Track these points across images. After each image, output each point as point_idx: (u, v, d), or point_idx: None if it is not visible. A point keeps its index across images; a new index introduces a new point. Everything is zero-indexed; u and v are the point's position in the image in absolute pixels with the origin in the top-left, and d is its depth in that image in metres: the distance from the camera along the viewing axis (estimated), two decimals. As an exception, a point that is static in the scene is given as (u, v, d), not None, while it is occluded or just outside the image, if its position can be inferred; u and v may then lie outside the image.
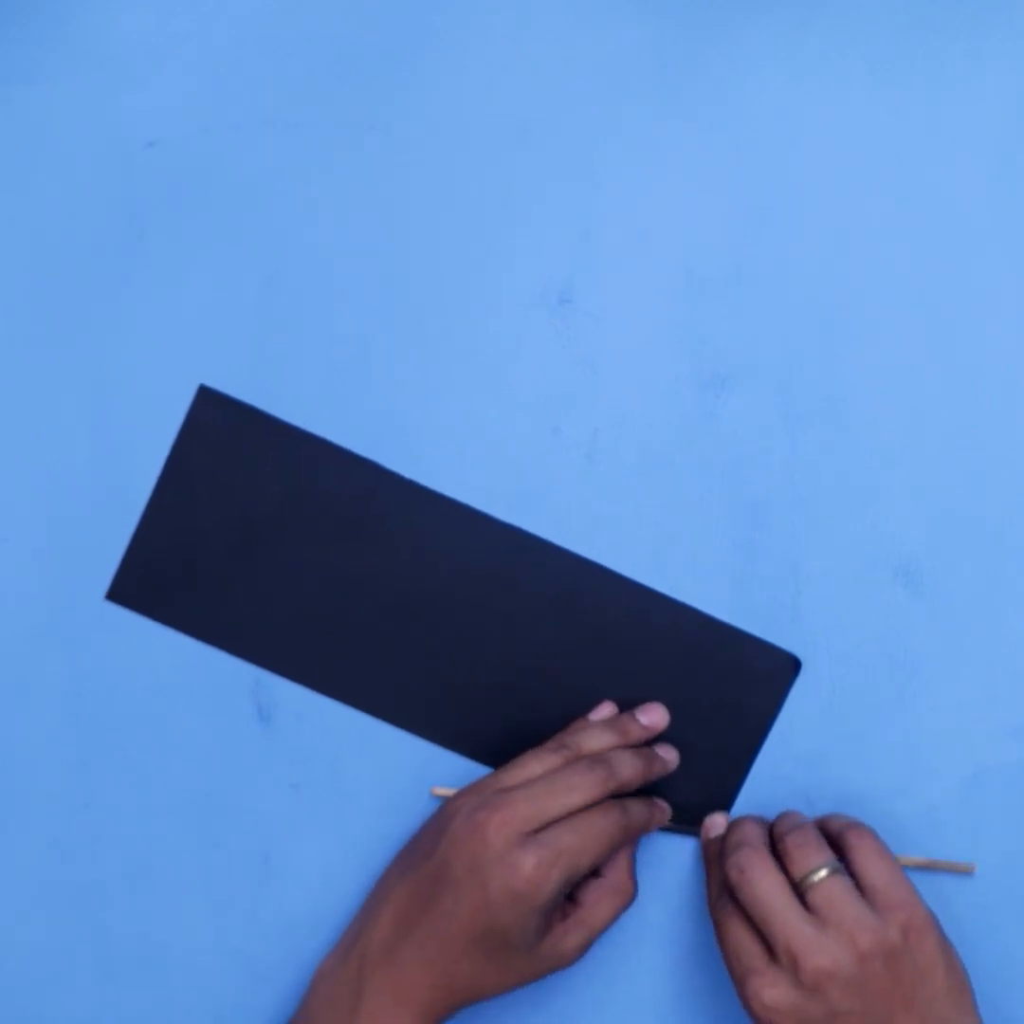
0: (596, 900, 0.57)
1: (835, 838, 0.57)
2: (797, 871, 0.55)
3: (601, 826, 0.55)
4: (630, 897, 0.58)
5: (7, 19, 0.62)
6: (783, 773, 0.61)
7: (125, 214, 0.62)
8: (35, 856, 0.61)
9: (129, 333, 0.62)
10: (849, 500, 0.61)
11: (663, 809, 0.60)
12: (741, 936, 0.55)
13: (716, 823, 0.60)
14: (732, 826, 0.59)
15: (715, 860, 0.59)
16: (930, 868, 0.60)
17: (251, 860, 0.62)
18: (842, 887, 0.54)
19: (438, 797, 0.61)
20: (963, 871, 0.60)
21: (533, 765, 0.57)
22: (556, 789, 0.55)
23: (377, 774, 0.62)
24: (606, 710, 0.60)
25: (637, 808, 0.58)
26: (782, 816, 0.59)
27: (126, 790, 0.62)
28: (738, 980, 0.55)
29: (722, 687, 0.61)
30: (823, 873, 0.54)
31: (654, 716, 0.60)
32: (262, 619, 0.61)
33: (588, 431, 0.62)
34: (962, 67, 0.62)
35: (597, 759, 0.57)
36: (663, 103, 0.62)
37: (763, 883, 0.55)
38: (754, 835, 0.57)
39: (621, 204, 0.62)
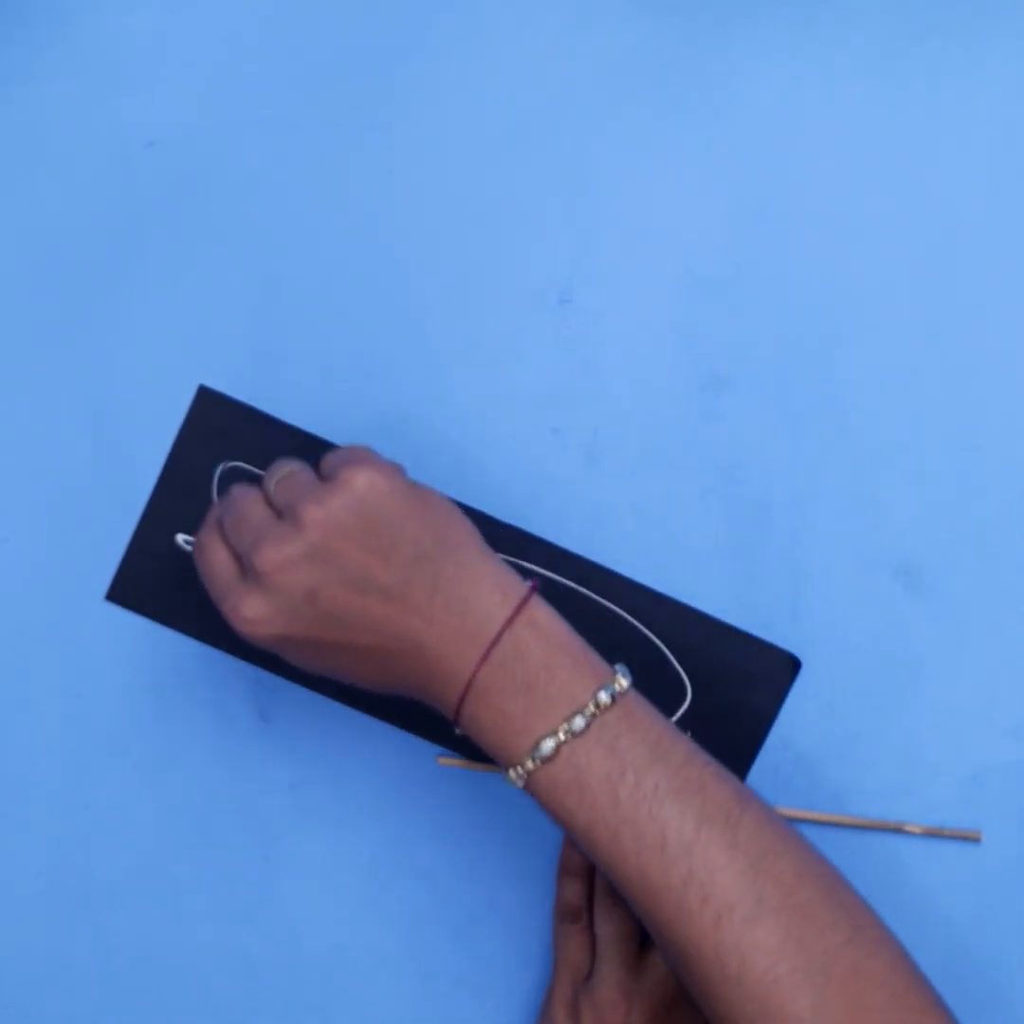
0: None
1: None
2: (267, 478, 0.52)
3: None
4: None
5: (7, 19, 0.63)
6: (783, 773, 0.61)
7: (125, 214, 0.62)
8: (35, 856, 0.61)
9: (129, 333, 0.62)
10: (849, 500, 0.61)
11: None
12: (218, 556, 0.52)
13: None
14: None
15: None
16: (936, 835, 0.60)
17: (251, 860, 0.62)
18: (301, 476, 0.52)
19: (444, 767, 0.61)
20: (970, 839, 0.60)
21: (627, 928, 0.58)
22: None
23: (377, 774, 0.62)
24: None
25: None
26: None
27: (126, 790, 0.62)
28: (218, 602, 0.51)
29: (722, 687, 0.61)
30: (288, 469, 0.52)
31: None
32: None
33: (588, 431, 0.62)
34: (962, 67, 0.62)
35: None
36: (662, 103, 0.62)
37: (239, 493, 0.52)
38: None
39: (621, 204, 0.62)
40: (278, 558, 0.50)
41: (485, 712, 0.50)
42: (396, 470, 0.52)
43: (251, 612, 0.50)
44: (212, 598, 0.52)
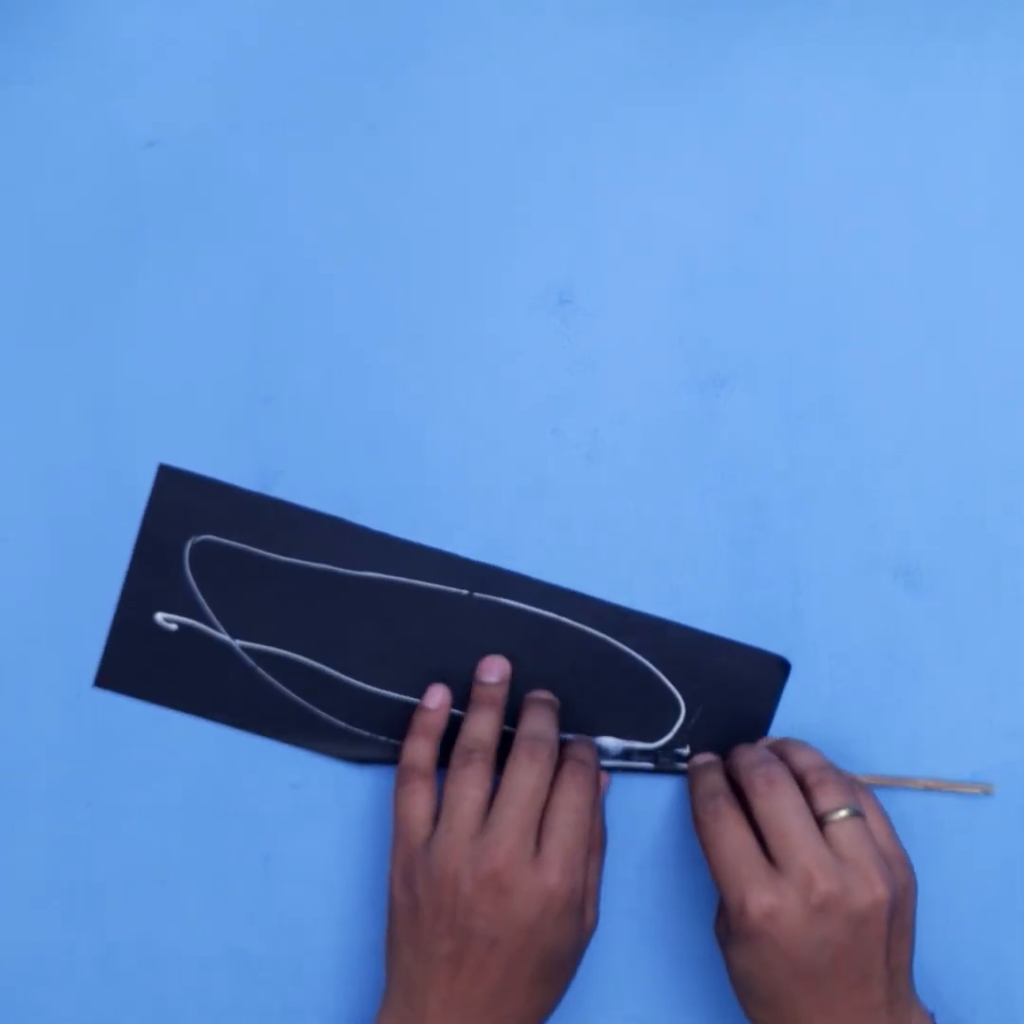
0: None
1: None
2: (821, 805, 0.55)
3: (580, 798, 0.56)
4: (604, 845, 0.59)
5: (7, 19, 0.62)
6: (783, 773, 0.61)
7: (125, 214, 0.62)
8: (35, 856, 0.61)
9: (128, 333, 0.62)
10: (849, 500, 0.61)
11: (588, 742, 0.60)
12: (741, 840, 0.55)
13: (706, 760, 0.60)
14: (746, 747, 0.58)
15: (704, 770, 0.59)
16: (945, 790, 0.60)
17: (251, 860, 0.62)
18: (864, 830, 0.55)
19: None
20: (980, 792, 0.60)
21: (472, 792, 0.56)
22: (517, 798, 0.55)
23: (377, 774, 0.61)
24: (439, 695, 0.60)
25: (582, 751, 0.58)
26: (801, 749, 0.58)
27: (126, 790, 0.61)
28: (735, 884, 0.54)
29: (715, 698, 0.61)
30: (845, 813, 0.55)
31: (497, 668, 0.60)
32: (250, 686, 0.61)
33: (588, 431, 0.62)
34: (962, 67, 0.62)
35: (522, 742, 0.57)
36: (663, 103, 0.62)
37: (791, 800, 0.55)
38: (777, 759, 0.57)
39: (621, 204, 0.62)
40: (836, 896, 0.53)
41: None
42: None
43: (775, 909, 0.53)
44: (722, 875, 0.54)
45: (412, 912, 0.56)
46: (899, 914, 0.54)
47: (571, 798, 0.56)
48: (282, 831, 0.62)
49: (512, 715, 0.61)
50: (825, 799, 0.55)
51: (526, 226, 0.62)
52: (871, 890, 0.53)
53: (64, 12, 0.63)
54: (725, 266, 0.62)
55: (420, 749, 0.59)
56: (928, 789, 0.60)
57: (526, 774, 0.56)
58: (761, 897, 0.53)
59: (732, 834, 0.55)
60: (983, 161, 0.62)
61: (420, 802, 0.57)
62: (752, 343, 0.62)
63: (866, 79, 0.62)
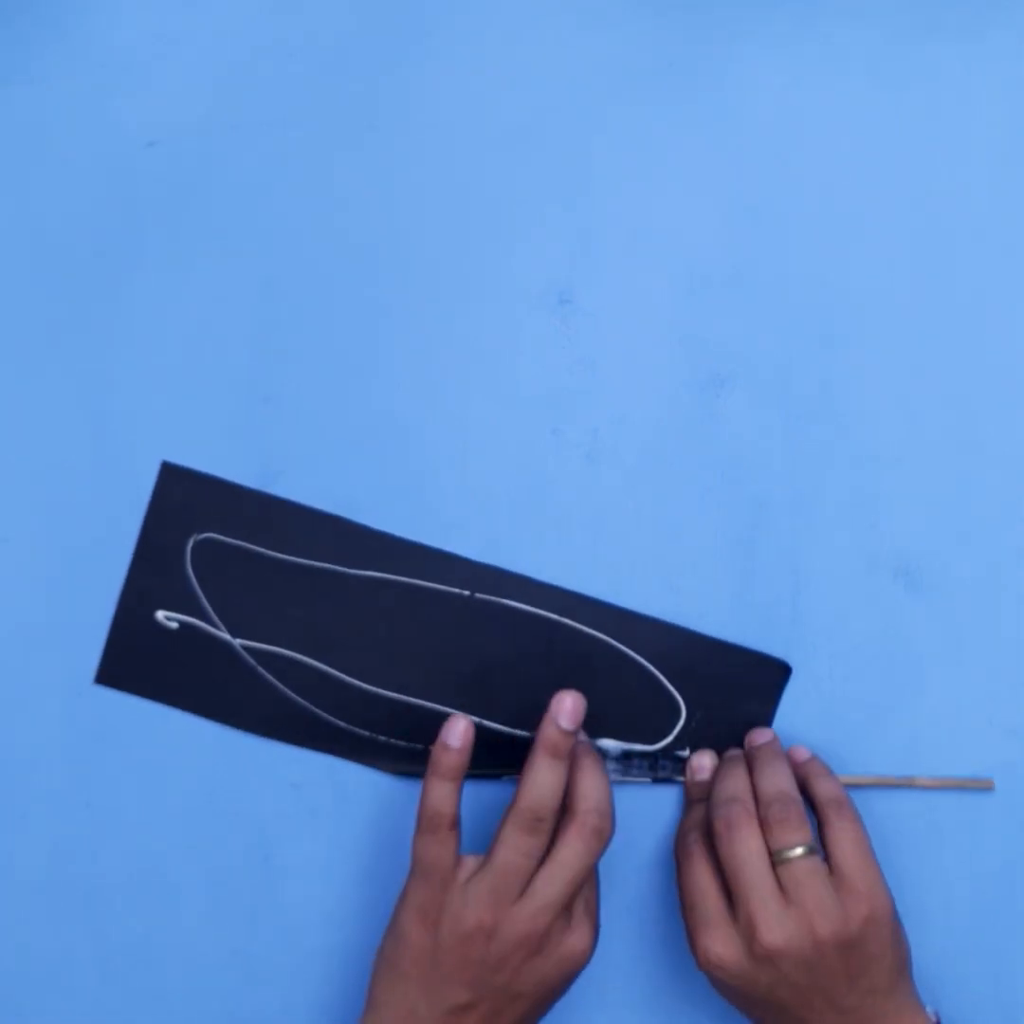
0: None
1: (817, 808, 0.57)
2: (774, 842, 0.55)
3: (593, 858, 0.55)
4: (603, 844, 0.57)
5: (7, 19, 0.63)
6: (783, 773, 0.61)
7: (125, 214, 0.62)
8: (35, 856, 0.61)
9: (129, 333, 0.62)
10: (849, 500, 0.61)
11: (595, 758, 0.57)
12: (703, 883, 0.56)
13: (702, 766, 0.60)
14: (724, 774, 0.59)
15: (696, 801, 0.60)
16: (946, 787, 0.60)
17: (251, 860, 0.62)
18: (812, 870, 0.55)
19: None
20: (982, 787, 0.60)
21: (525, 863, 0.55)
22: (566, 875, 0.55)
23: (377, 774, 0.62)
24: (461, 730, 0.56)
25: (596, 799, 0.56)
26: (770, 773, 0.57)
27: (126, 790, 0.61)
28: (690, 928, 0.56)
29: (716, 701, 0.61)
30: (798, 852, 0.55)
31: (570, 710, 0.56)
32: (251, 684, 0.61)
33: (588, 431, 0.62)
34: (962, 67, 0.62)
35: (578, 817, 0.55)
36: (663, 104, 0.62)
37: (746, 845, 0.55)
38: (746, 792, 0.57)
39: (621, 204, 0.62)
40: (777, 946, 0.53)
41: None
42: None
43: (720, 959, 0.55)
44: (683, 914, 0.57)
45: (431, 955, 0.55)
46: (858, 948, 0.54)
47: (588, 860, 0.55)
48: (282, 831, 0.62)
49: (513, 716, 0.61)
50: (781, 836, 0.55)
51: (526, 226, 0.62)
52: (812, 935, 0.53)
53: (64, 12, 0.63)
54: (725, 266, 0.62)
55: (444, 794, 0.55)
56: (929, 788, 0.60)
57: (575, 854, 0.55)
58: (709, 946, 0.55)
59: (697, 875, 0.56)
60: (983, 161, 0.62)
61: (447, 852, 0.55)
62: (752, 343, 0.62)
63: (866, 79, 0.62)
